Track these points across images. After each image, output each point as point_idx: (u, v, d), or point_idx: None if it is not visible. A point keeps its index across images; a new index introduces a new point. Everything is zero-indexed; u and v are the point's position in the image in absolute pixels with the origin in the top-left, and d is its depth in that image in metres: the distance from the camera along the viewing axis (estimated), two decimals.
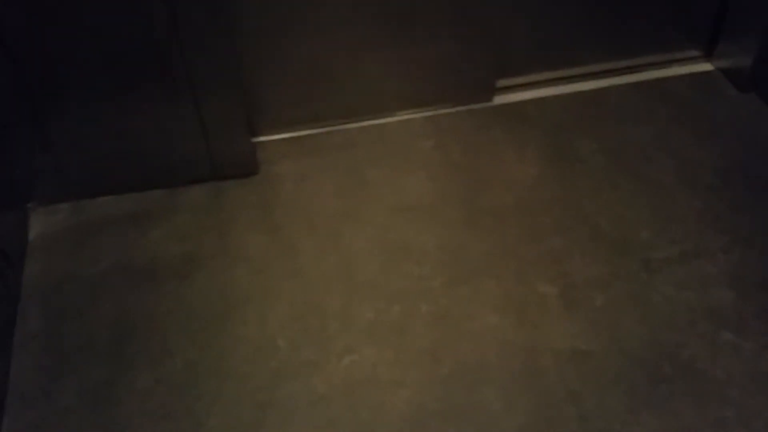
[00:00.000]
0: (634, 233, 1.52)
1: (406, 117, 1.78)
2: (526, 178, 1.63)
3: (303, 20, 1.57)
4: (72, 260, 1.47)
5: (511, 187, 1.61)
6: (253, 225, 1.54)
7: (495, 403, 1.25)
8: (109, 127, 1.48)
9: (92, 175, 1.56)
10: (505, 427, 1.21)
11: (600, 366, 1.30)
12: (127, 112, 1.46)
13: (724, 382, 1.27)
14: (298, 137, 1.73)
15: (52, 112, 1.44)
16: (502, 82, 1.83)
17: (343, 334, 1.35)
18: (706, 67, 1.92)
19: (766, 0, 1.71)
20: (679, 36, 1.91)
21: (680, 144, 1.71)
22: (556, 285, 1.42)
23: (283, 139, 1.72)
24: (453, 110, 1.79)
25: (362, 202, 1.59)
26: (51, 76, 1.38)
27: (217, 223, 1.54)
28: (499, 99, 1.82)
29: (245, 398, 1.26)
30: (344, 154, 1.69)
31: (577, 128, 1.76)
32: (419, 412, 1.24)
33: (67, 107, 1.44)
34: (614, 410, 1.23)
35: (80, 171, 1.54)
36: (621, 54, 1.90)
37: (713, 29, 1.89)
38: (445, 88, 1.77)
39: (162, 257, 1.47)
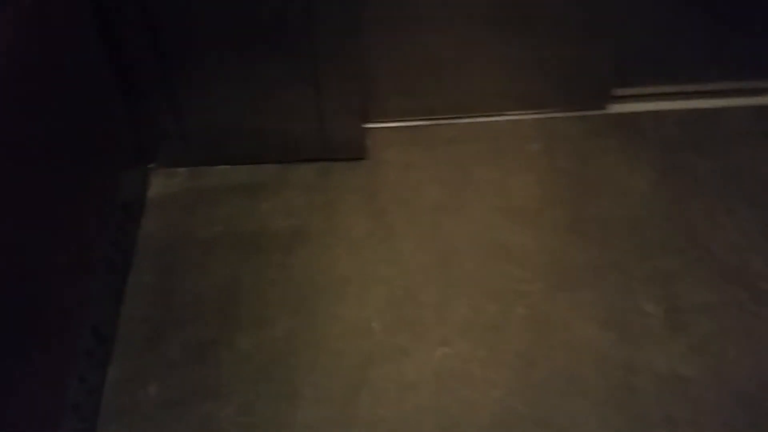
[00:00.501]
0: (746, 261, 1.45)
1: (515, 117, 1.76)
2: (636, 192, 1.58)
3: (421, 14, 1.58)
4: (186, 222, 1.54)
5: (620, 199, 1.57)
6: (358, 208, 1.56)
7: (587, 417, 1.23)
8: (234, 98, 1.54)
9: (212, 144, 1.62)
10: None
11: (699, 394, 1.25)
12: (251, 85, 1.51)
13: None
14: (407, 127, 1.74)
15: (182, 80, 1.51)
16: (619, 91, 1.78)
17: (437, 326, 1.36)
18: None
19: None
20: None
21: None
22: (661, 305, 1.38)
23: (392, 128, 1.74)
24: (564, 115, 1.76)
25: (465, 198, 1.58)
26: (185, 44, 1.45)
27: (324, 202, 1.57)
28: (614, 108, 1.78)
29: (339, 374, 1.29)
30: (451, 148, 1.69)
31: (694, 146, 1.69)
32: (508, 414, 1.23)
33: (196, 75, 1.50)
34: None
35: (201, 139, 1.61)
36: (744, 75, 1.82)
37: None
38: (558, 92, 1.74)
39: (270, 229, 1.52)
